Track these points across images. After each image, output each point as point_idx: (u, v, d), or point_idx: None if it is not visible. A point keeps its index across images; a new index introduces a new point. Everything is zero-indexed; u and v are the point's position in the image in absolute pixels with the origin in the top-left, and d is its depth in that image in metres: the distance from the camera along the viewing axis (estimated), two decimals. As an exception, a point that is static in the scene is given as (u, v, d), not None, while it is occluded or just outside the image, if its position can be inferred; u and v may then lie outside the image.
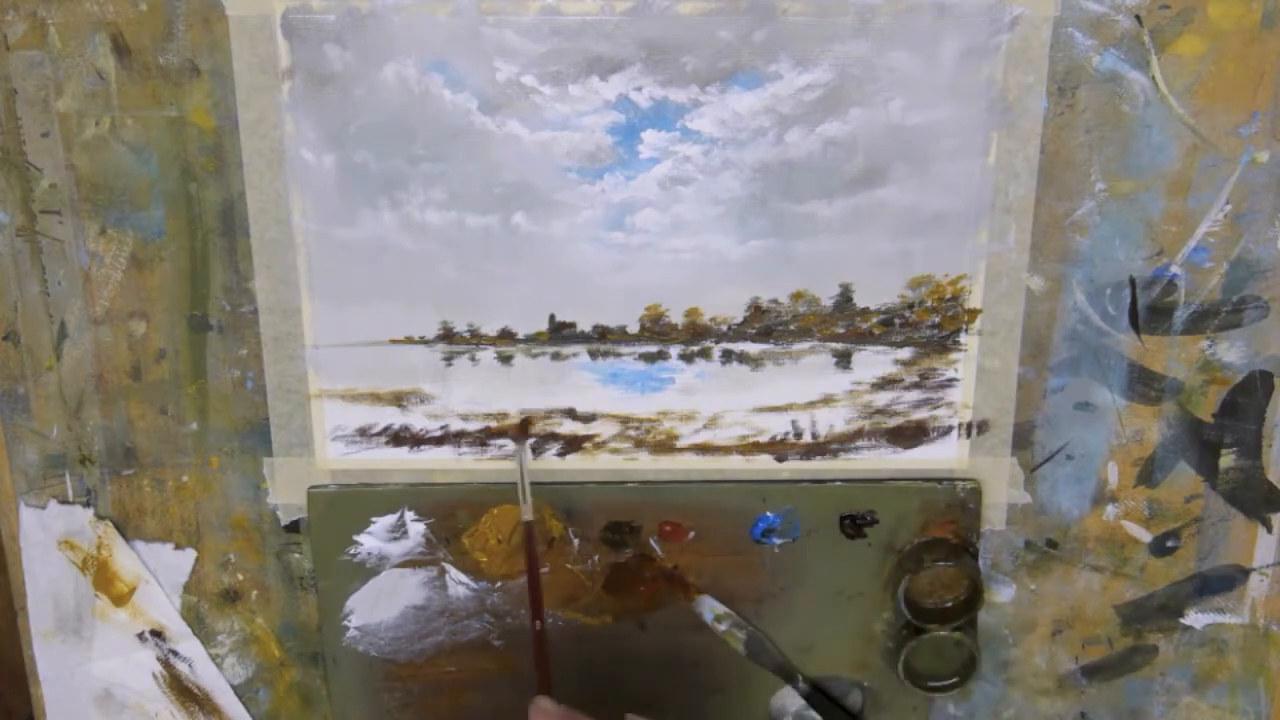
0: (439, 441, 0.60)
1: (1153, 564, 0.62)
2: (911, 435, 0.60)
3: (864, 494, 0.60)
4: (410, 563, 0.62)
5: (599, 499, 0.60)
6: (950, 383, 0.59)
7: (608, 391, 0.59)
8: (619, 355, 0.59)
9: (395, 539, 0.61)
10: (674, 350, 0.59)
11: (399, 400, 0.60)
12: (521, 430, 0.60)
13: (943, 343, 0.58)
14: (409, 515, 0.61)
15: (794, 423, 0.60)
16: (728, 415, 0.60)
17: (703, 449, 0.60)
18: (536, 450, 0.61)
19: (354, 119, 0.55)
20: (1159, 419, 0.59)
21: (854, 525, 0.60)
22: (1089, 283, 0.57)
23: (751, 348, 0.58)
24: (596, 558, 0.61)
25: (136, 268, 0.58)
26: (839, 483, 0.60)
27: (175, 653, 0.65)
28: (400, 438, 0.60)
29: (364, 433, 0.60)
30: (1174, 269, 0.57)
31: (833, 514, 0.60)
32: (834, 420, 0.60)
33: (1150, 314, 0.58)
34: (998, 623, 0.63)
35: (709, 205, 0.56)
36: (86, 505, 0.62)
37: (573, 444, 0.60)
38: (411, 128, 0.55)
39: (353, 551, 0.61)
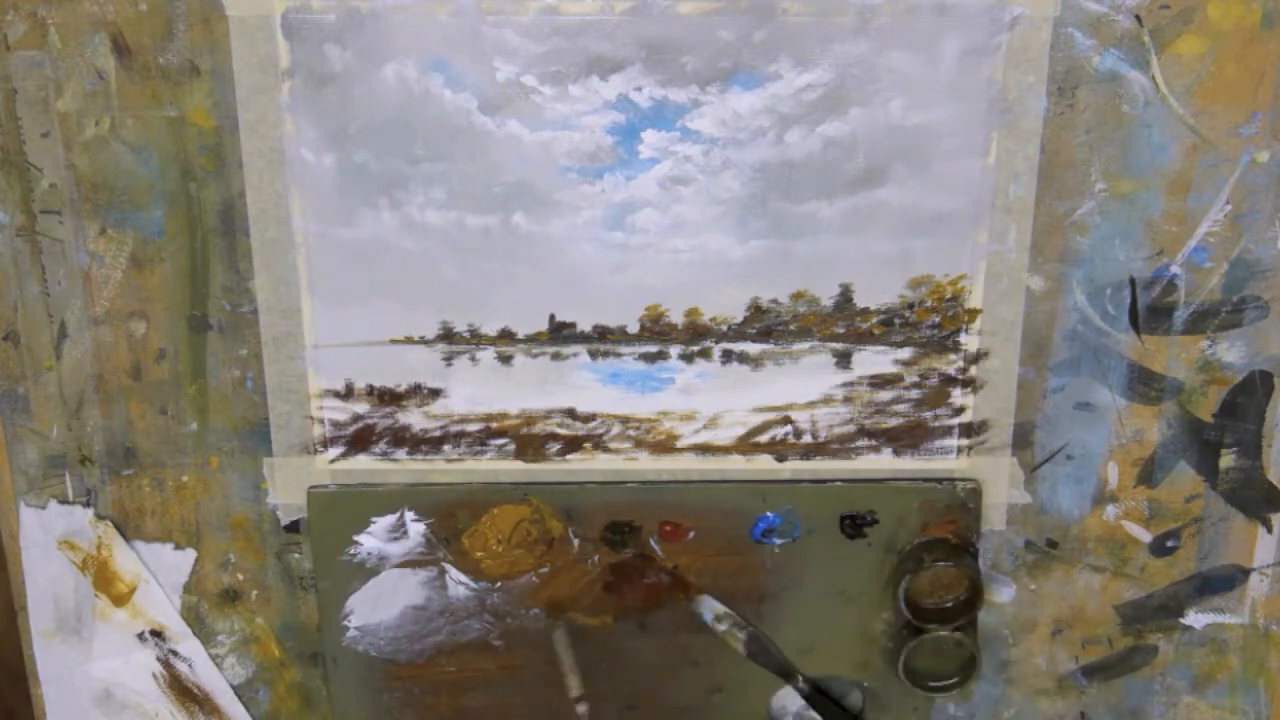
0: (439, 442, 0.60)
1: (1153, 564, 0.62)
2: (911, 435, 0.60)
3: (864, 494, 0.60)
4: (410, 563, 0.62)
5: (599, 499, 0.60)
6: (950, 382, 0.59)
7: (608, 391, 0.59)
8: (619, 355, 0.59)
9: (395, 539, 0.61)
10: (674, 350, 0.59)
11: (399, 400, 0.60)
12: None
13: (943, 343, 0.58)
14: (409, 515, 0.61)
15: (794, 423, 0.60)
16: (728, 415, 0.60)
17: (703, 449, 0.60)
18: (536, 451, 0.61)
19: (354, 119, 0.55)
20: (1159, 419, 0.60)
21: (854, 525, 0.60)
22: (1089, 283, 0.57)
23: (751, 348, 0.58)
24: (596, 558, 0.61)
25: (136, 268, 0.58)
26: (839, 483, 0.60)
27: (175, 653, 0.65)
28: (400, 438, 0.60)
29: (364, 433, 0.60)
30: (1174, 269, 0.57)
31: (833, 514, 0.60)
32: (834, 420, 0.60)
33: (1150, 314, 0.58)
34: (998, 623, 0.63)
35: (709, 205, 0.56)
36: (86, 505, 0.62)
37: (573, 444, 0.60)
38: (411, 128, 0.55)
39: (353, 551, 0.61)
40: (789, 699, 0.63)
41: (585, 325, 0.58)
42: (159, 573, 0.63)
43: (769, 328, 0.58)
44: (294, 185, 0.56)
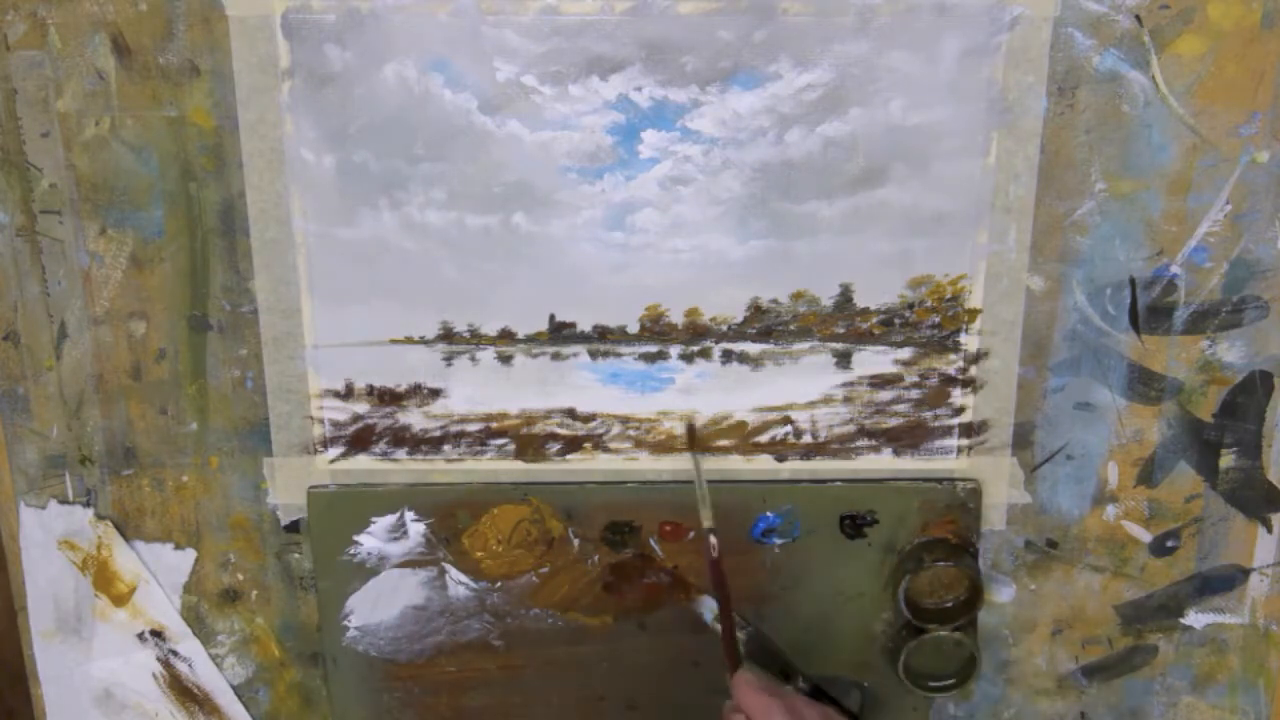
0: (439, 442, 0.60)
1: (1153, 564, 0.62)
2: (911, 435, 0.60)
3: (864, 494, 0.60)
4: (410, 563, 0.62)
5: (599, 499, 0.60)
6: (950, 382, 0.59)
7: (608, 391, 0.59)
8: (619, 355, 0.59)
9: (395, 539, 0.61)
10: (674, 350, 0.59)
11: (399, 400, 0.60)
12: (690, 440, 0.60)
13: (943, 343, 0.58)
14: (409, 515, 0.61)
15: (794, 423, 0.60)
16: (728, 415, 0.60)
17: (703, 449, 0.60)
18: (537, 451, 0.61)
19: (354, 119, 0.55)
20: (1159, 419, 0.60)
21: (854, 525, 0.60)
22: (1089, 283, 0.57)
23: (751, 348, 0.58)
24: (596, 558, 0.61)
25: (136, 268, 0.58)
26: (839, 483, 0.60)
27: (175, 653, 0.65)
28: (400, 438, 0.60)
29: (364, 433, 0.60)
30: (1174, 269, 0.57)
31: (833, 514, 0.60)
32: (834, 420, 0.60)
33: (1150, 314, 0.58)
34: (998, 623, 0.63)
35: (709, 205, 0.56)
36: (86, 505, 0.62)
37: (573, 444, 0.60)
38: (411, 128, 0.55)
39: (353, 551, 0.61)
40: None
41: (585, 325, 0.58)
42: (159, 573, 0.63)
43: (769, 328, 0.58)
44: (294, 185, 0.56)
